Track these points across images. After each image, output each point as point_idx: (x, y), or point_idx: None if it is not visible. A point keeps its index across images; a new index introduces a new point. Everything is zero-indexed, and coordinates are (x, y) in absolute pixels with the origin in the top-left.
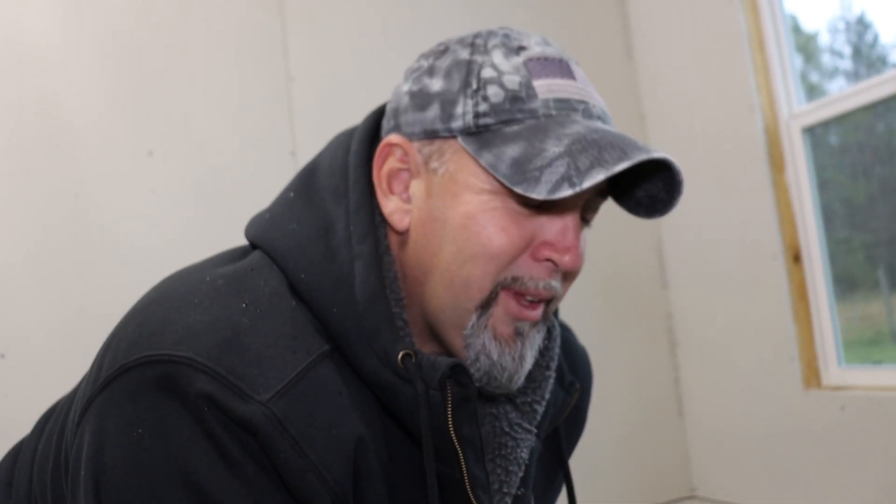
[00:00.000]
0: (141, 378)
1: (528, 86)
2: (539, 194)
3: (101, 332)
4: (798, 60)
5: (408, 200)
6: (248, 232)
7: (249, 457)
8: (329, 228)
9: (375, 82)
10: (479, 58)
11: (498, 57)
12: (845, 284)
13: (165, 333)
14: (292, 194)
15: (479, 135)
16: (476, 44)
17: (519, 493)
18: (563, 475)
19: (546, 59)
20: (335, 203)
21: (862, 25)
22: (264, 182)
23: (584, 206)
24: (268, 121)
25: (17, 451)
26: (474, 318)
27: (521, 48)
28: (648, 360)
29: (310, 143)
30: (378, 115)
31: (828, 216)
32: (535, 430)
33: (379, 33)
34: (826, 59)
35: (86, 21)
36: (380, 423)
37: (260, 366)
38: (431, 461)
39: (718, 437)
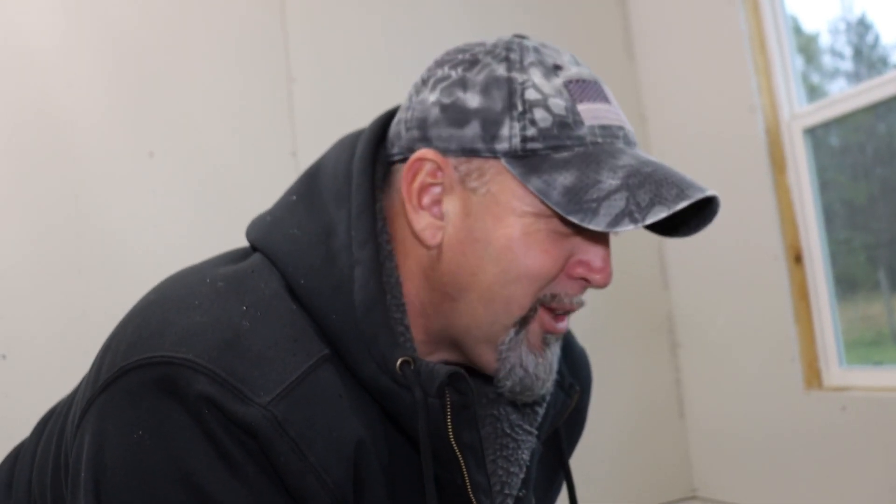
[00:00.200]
0: (141, 380)
1: (573, 111)
2: (598, 226)
3: (102, 333)
4: (799, 61)
5: (439, 217)
6: (249, 234)
7: (250, 458)
8: (330, 233)
9: (376, 83)
10: (517, 76)
11: (537, 77)
12: (846, 285)
13: (165, 335)
14: (294, 197)
15: (526, 159)
16: (511, 59)
17: (520, 494)
18: (563, 476)
19: (583, 81)
20: (337, 207)
21: (863, 26)
22: (265, 183)
23: None
24: (269, 121)
25: (16, 453)
26: (512, 333)
27: (556, 67)
28: (649, 360)
29: (311, 144)
30: (386, 120)
31: (828, 217)
32: (535, 432)
33: (379, 34)
34: (827, 60)
35: (86, 22)
36: (380, 428)
37: (260, 368)
38: (429, 467)
39: (719, 437)
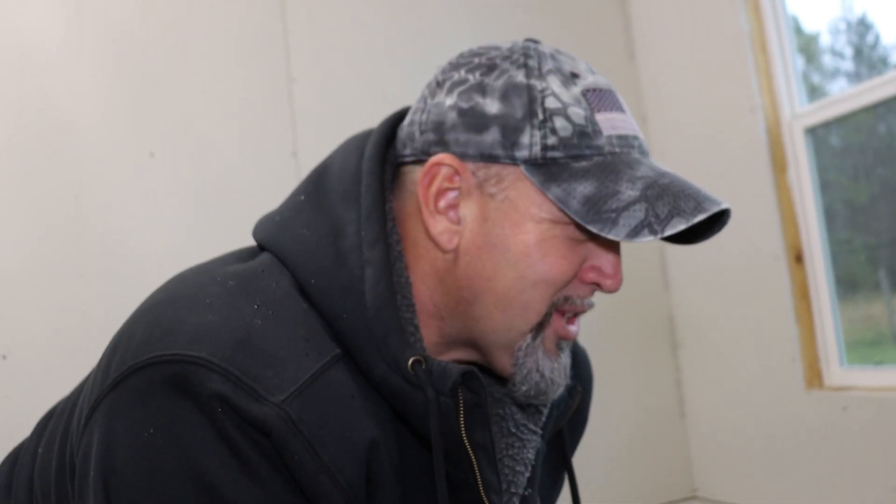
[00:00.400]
0: (152, 378)
1: (592, 121)
2: (617, 236)
3: (103, 333)
4: (799, 61)
5: (456, 221)
6: (257, 233)
7: (263, 458)
8: (339, 233)
9: (377, 83)
10: (537, 83)
11: (556, 85)
12: (847, 285)
13: (177, 333)
14: (302, 197)
15: (546, 167)
16: (530, 66)
17: (526, 493)
18: (566, 476)
19: (600, 90)
20: (345, 208)
21: (863, 26)
22: (266, 183)
23: None
24: (269, 122)
25: (15, 455)
26: (529, 338)
27: (574, 75)
28: (650, 361)
29: (311, 144)
30: (395, 121)
31: (829, 217)
32: (540, 432)
33: (380, 34)
34: (827, 60)
35: (87, 22)
36: (392, 428)
37: (273, 367)
38: (441, 467)
39: (720, 437)
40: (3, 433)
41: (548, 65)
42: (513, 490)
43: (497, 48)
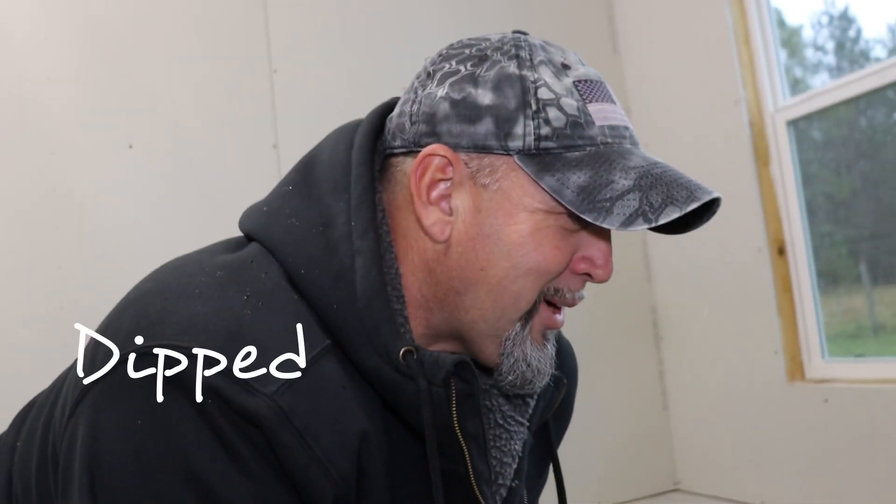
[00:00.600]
0: (140, 368)
1: (584, 111)
2: (612, 225)
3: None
4: (782, 55)
5: (448, 212)
6: (244, 224)
7: (254, 450)
8: (328, 223)
9: (358, 74)
10: (529, 74)
11: (548, 76)
12: (828, 278)
13: (166, 323)
14: (290, 187)
15: (539, 157)
16: (521, 57)
17: (513, 484)
18: (552, 467)
19: (590, 81)
20: (334, 198)
21: (845, 20)
22: (247, 175)
23: None
24: (250, 113)
25: None
26: (517, 327)
27: (564, 66)
28: (633, 353)
29: (292, 136)
30: (383, 112)
31: (811, 210)
32: (527, 423)
33: (362, 25)
34: (810, 54)
35: (63, 11)
36: (382, 419)
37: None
38: (434, 457)
39: (702, 430)
40: None
41: (539, 56)
42: (500, 481)
43: (487, 39)
